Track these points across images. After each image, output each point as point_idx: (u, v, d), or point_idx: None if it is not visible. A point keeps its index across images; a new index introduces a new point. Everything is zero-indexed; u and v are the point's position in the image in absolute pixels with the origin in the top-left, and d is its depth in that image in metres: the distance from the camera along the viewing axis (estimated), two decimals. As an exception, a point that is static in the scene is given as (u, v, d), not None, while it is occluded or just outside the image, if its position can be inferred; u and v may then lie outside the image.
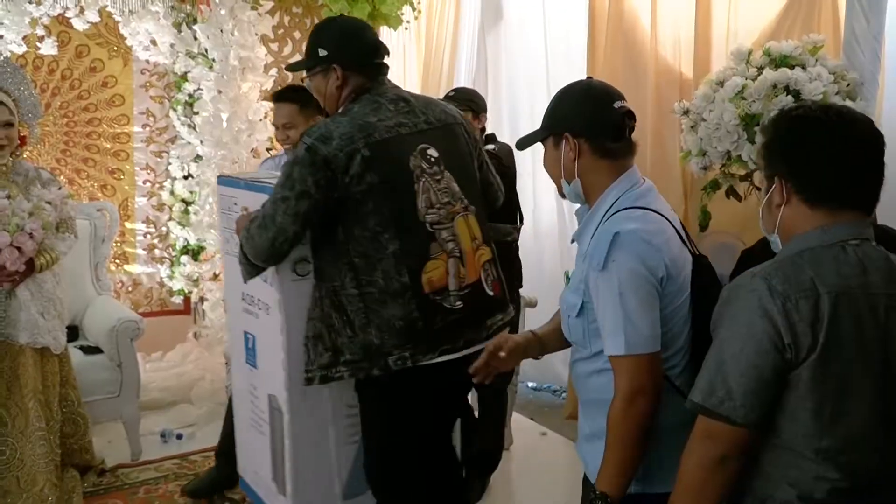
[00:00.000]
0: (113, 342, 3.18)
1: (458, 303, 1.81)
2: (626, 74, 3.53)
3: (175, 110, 4.18)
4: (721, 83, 2.95)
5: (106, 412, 3.19)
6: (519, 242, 3.01)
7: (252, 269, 1.93)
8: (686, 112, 3.11)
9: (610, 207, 1.50)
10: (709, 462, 1.25)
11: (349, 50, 1.91)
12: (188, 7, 3.78)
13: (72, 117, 4.04)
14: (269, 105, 4.00)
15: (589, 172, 1.51)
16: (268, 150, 3.95)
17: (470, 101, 2.85)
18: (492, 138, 3.01)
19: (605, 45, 3.67)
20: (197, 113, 4.02)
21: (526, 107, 4.59)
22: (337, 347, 1.82)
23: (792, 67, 2.82)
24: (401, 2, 4.55)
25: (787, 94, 2.74)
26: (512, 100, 4.75)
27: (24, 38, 3.63)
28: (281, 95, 2.83)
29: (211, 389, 3.78)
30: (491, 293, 1.88)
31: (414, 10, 4.64)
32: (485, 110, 2.98)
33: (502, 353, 1.68)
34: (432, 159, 1.82)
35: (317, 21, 4.56)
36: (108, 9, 3.61)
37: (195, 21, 3.83)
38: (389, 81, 1.95)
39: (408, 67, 4.70)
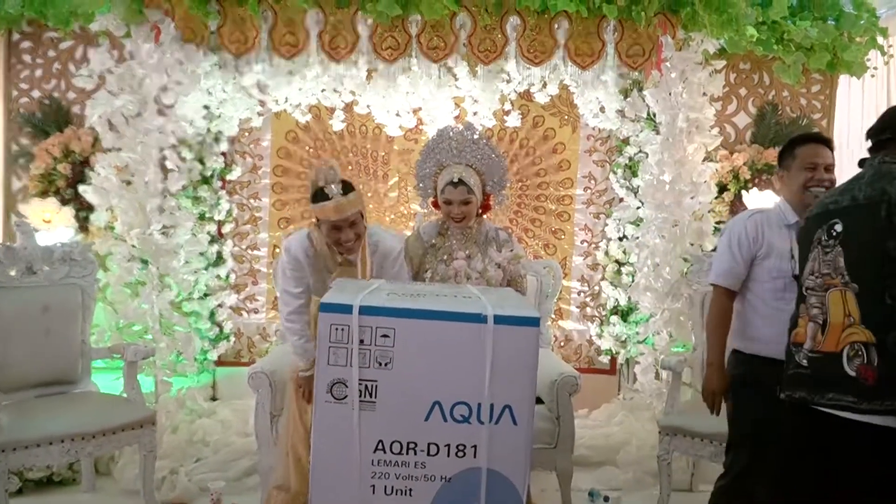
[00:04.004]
0: (553, 395, 3.29)
1: (805, 361, 1.94)
2: None
3: (615, 173, 4.30)
4: None
5: (541, 461, 3.30)
6: None
7: None
8: None
9: None
10: None
11: None
12: (636, 74, 3.86)
13: (525, 181, 4.44)
14: (715, 166, 3.86)
15: None
16: (709, 211, 3.78)
17: None
18: None
19: None
20: (636, 175, 4.06)
21: None
22: None
23: None
24: (866, 48, 4.05)
25: None
26: None
27: (494, 112, 4.13)
28: (821, 138, 2.72)
29: (637, 456, 3.69)
30: (851, 373, 1.83)
31: (884, 54, 4.10)
32: None
33: None
34: (834, 234, 1.92)
35: (766, 77, 4.31)
36: (566, 82, 3.89)
37: (641, 88, 3.91)
38: (882, 154, 1.95)
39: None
